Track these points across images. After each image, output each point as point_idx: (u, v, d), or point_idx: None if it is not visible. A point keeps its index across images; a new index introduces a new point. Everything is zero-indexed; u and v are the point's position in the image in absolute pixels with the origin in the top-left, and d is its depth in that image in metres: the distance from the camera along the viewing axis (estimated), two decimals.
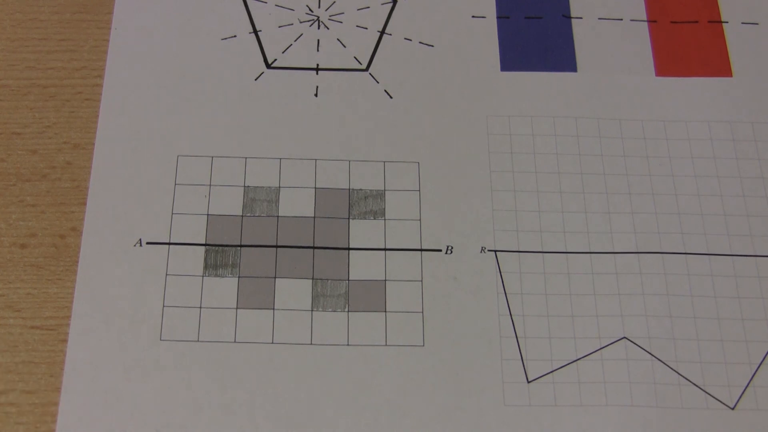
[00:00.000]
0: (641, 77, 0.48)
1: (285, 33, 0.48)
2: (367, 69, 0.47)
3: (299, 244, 0.43)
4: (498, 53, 0.48)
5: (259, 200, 0.44)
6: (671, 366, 0.41)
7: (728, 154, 0.46)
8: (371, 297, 0.42)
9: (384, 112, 0.46)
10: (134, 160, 0.44)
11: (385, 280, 0.42)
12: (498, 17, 0.49)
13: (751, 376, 0.41)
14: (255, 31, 0.48)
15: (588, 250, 0.43)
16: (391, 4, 0.49)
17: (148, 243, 0.43)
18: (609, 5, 0.50)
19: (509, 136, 0.46)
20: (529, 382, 0.41)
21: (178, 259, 0.42)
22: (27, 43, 0.47)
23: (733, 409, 0.40)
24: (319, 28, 0.49)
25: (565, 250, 0.43)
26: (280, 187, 0.44)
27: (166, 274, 0.42)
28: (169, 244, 0.43)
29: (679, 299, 0.42)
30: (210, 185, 0.44)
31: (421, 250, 0.43)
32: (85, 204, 0.43)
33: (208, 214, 0.43)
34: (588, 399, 0.40)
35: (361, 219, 0.44)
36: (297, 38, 0.48)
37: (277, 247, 0.43)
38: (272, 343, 0.41)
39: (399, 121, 0.46)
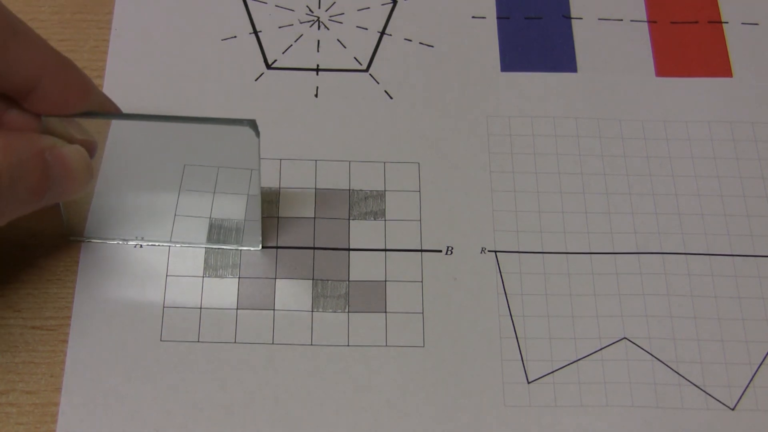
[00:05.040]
0: (641, 77, 0.48)
1: (285, 33, 0.48)
2: (367, 69, 0.47)
3: (299, 245, 0.43)
4: (498, 53, 0.48)
5: None
6: (671, 366, 0.41)
7: (728, 154, 0.46)
8: (371, 298, 0.42)
9: (384, 112, 0.46)
10: None
11: (386, 281, 0.42)
12: (498, 18, 0.49)
13: (751, 377, 0.41)
14: (255, 32, 0.48)
15: (588, 251, 0.43)
16: (391, 5, 0.49)
17: (148, 243, 0.43)
18: (609, 5, 0.50)
19: (509, 136, 0.46)
20: (529, 382, 0.41)
21: (178, 260, 0.42)
22: None
23: (733, 409, 0.40)
24: (319, 28, 0.49)
25: (565, 251, 0.43)
26: (280, 187, 0.44)
27: (167, 275, 0.42)
28: (170, 244, 0.43)
29: (680, 299, 0.42)
30: None
31: (422, 250, 0.43)
32: None
33: None
34: (588, 399, 0.40)
35: (361, 220, 0.44)
36: (297, 39, 0.48)
37: (277, 248, 0.43)
38: (272, 343, 0.41)
39: (399, 121, 0.46)
